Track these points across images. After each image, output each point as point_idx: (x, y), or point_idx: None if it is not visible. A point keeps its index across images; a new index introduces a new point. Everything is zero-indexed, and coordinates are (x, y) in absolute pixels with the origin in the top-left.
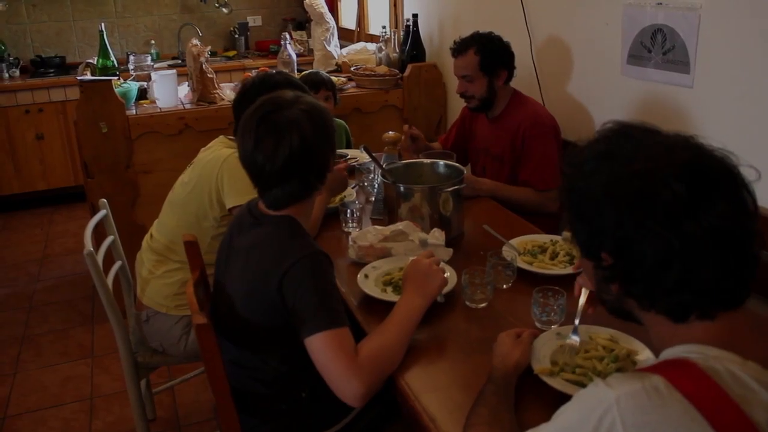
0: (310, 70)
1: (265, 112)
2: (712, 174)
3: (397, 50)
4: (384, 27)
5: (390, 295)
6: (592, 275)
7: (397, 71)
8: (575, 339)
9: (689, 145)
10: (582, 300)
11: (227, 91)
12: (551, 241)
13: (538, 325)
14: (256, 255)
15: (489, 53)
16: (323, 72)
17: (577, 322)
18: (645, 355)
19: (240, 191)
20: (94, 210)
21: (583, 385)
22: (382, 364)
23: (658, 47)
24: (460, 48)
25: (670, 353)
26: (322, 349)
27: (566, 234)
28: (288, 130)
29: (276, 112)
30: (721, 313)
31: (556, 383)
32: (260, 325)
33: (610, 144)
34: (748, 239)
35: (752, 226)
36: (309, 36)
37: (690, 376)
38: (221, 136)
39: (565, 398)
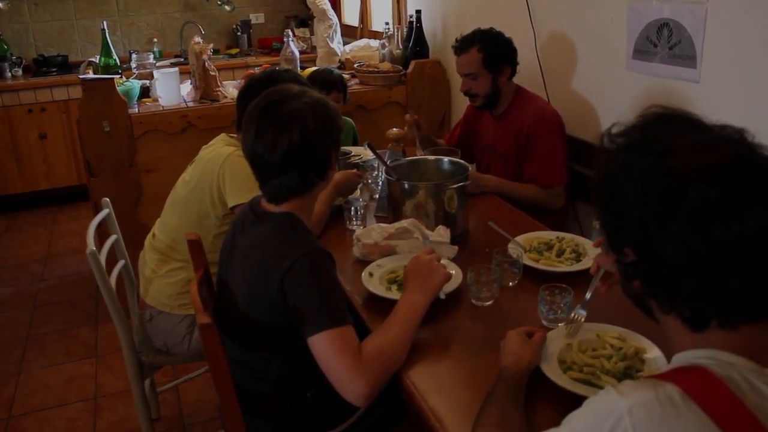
0: (322, 67)
1: (269, 103)
2: (751, 179)
3: (401, 47)
4: (387, 23)
5: (395, 294)
6: (615, 269)
7: (401, 68)
8: (582, 313)
9: (736, 144)
10: (596, 278)
11: (230, 89)
12: (557, 238)
13: (544, 323)
14: (257, 253)
15: (492, 50)
16: (335, 70)
17: (588, 296)
18: (653, 354)
19: (242, 189)
20: (97, 209)
21: (591, 384)
22: (385, 363)
23: (664, 42)
24: (462, 46)
25: (683, 358)
26: (325, 348)
27: (596, 224)
28: (289, 122)
29: (280, 104)
30: (744, 324)
31: (564, 382)
32: (263, 324)
33: (647, 134)
34: None
35: None
36: (312, 33)
37: (705, 384)
38: (223, 134)
39: (572, 397)
